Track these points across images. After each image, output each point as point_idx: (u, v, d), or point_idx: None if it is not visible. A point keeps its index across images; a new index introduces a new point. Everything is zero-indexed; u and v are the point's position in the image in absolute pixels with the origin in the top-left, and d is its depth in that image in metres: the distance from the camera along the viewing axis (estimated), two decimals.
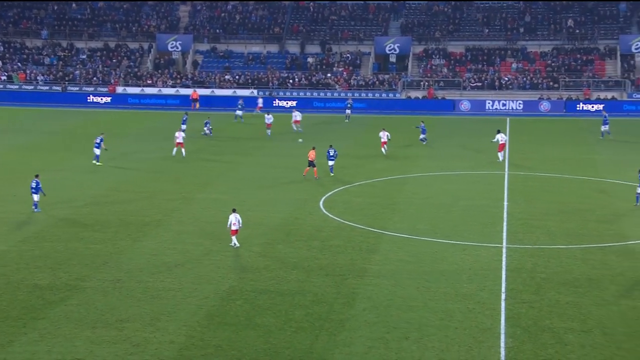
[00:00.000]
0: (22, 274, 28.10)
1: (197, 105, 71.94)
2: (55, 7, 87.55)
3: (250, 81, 78.45)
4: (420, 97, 76.02)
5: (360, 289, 26.99)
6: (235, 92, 76.87)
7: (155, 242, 32.17)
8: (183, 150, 49.13)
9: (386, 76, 78.36)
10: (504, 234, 33.55)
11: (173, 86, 77.95)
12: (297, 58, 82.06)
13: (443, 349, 22.44)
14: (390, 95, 75.94)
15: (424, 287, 27.21)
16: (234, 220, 31.08)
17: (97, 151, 46.48)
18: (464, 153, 51.10)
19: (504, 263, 29.70)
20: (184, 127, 54.94)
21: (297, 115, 59.49)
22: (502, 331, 23.54)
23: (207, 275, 28.27)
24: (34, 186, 36.08)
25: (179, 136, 49.28)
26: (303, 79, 78.50)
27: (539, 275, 28.24)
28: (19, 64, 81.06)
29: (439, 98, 75.50)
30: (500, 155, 48.39)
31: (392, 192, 41.14)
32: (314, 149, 43.89)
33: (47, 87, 77.97)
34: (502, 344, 22.69)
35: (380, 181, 43.54)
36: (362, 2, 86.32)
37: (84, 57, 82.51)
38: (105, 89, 77.54)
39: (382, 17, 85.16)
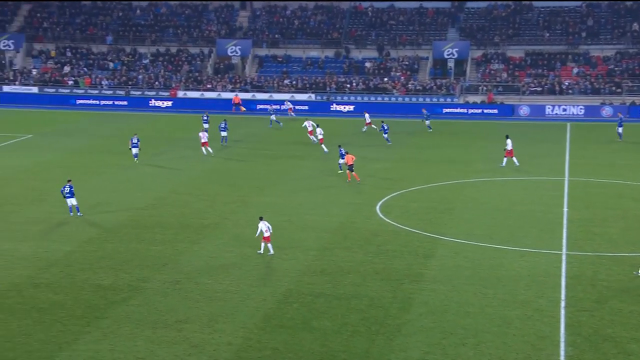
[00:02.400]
0: (86, 274, 28.76)
1: (243, 108, 72.72)
2: (120, 14, 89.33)
3: (308, 86, 78.74)
4: (479, 101, 75.22)
5: (417, 294, 26.85)
6: (293, 96, 77.24)
7: (213, 244, 32.55)
8: (209, 149, 51.01)
9: (444, 81, 77.78)
10: (564, 240, 32.95)
11: (232, 91, 78.72)
12: (354, 62, 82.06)
13: (501, 356, 22.14)
14: (448, 99, 75.34)
15: (481, 293, 26.92)
16: (265, 227, 30.94)
17: (135, 150, 48.55)
18: (523, 158, 50.34)
19: (563, 270, 29.17)
20: (206, 126, 56.48)
21: (309, 125, 56.61)
22: (562, 339, 23.12)
23: (264, 278, 28.49)
24: (68, 191, 36.16)
25: (204, 136, 51.17)
26: (360, 83, 78.46)
27: (600, 283, 27.64)
28: (85, 69, 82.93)
29: (498, 103, 74.58)
30: (505, 160, 47.69)
31: (449, 196, 40.79)
32: (348, 153, 43.86)
33: (111, 92, 79.57)
34: (562, 353, 22.29)
35: (437, 186, 43.23)
36: (419, 1, 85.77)
37: (147, 61, 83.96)
38: (167, 93, 78.76)
39: (440, 22, 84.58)
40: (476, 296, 26.62)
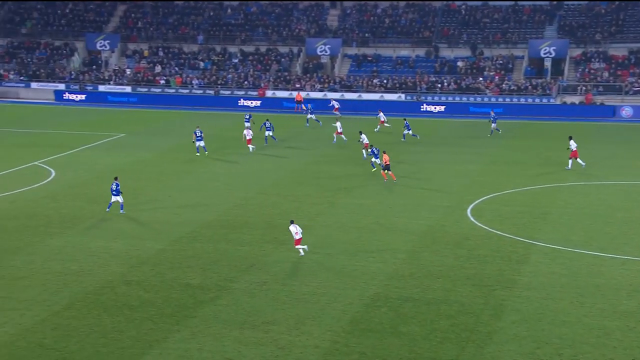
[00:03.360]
0: (176, 272, 29.47)
1: (304, 107, 73.41)
2: (211, 13, 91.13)
3: (398, 85, 78.42)
4: (577, 102, 73.24)
5: (509, 301, 26.36)
6: (382, 96, 77.09)
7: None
8: (250, 146, 52.97)
9: (539, 80, 76.07)
10: None
11: (321, 90, 79.20)
12: (446, 62, 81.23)
13: None
14: (544, 100, 73.64)
15: (578, 301, 26.21)
16: (295, 230, 31.13)
17: (199, 143, 51.26)
18: (624, 162, 48.74)
19: None
20: (247, 124, 58.35)
21: (339, 127, 56.58)
22: None
23: (351, 281, 28.53)
24: (114, 188, 37.25)
25: (248, 134, 53.57)
26: (452, 83, 77.59)
27: None
28: (176, 68, 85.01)
29: (598, 104, 72.42)
30: (571, 162, 46.72)
31: (544, 200, 39.87)
32: (385, 152, 44.19)
33: (201, 91, 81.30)
34: None
35: (532, 189, 42.32)
36: (515, 2, 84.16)
37: (236, 61, 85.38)
38: (255, 93, 79.86)
39: (537, 19, 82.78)
40: (573, 305, 25.93)
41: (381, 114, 61.88)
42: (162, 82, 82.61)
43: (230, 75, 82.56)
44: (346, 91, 78.43)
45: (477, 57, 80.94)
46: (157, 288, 27.78)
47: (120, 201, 37.47)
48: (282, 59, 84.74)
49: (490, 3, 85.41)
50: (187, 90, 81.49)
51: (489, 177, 45.25)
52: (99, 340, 23.56)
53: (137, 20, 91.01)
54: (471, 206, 38.58)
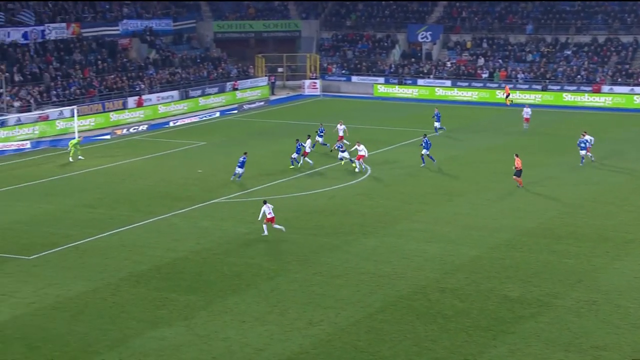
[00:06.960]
0: (492, 283, 29.45)
1: (510, 101, 69.60)
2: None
3: None
4: None
5: None
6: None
7: (637, 262, 31.18)
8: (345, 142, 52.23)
9: None
10: None
11: None
12: None
13: None
14: None
15: None
16: (268, 210, 33.87)
17: (425, 151, 48.60)
18: None
19: None
20: (437, 124, 59.38)
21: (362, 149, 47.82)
22: None
23: None
24: (241, 160, 44.45)
25: (340, 129, 54.13)
26: None
27: None
28: (500, 61, 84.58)
29: None
30: None
31: None
32: (517, 156, 42.06)
33: (527, 86, 79.92)
34: None
35: None
36: None
37: (569, 52, 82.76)
38: (589, 89, 76.71)
39: None
40: None
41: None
42: (484, 75, 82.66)
43: (560, 69, 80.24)
44: None
45: None
46: (473, 298, 27.97)
47: (239, 172, 44.46)
48: (624, 50, 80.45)
49: None
50: (511, 85, 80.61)
51: None
52: (411, 348, 24.29)
53: (461, 9, 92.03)
54: None
